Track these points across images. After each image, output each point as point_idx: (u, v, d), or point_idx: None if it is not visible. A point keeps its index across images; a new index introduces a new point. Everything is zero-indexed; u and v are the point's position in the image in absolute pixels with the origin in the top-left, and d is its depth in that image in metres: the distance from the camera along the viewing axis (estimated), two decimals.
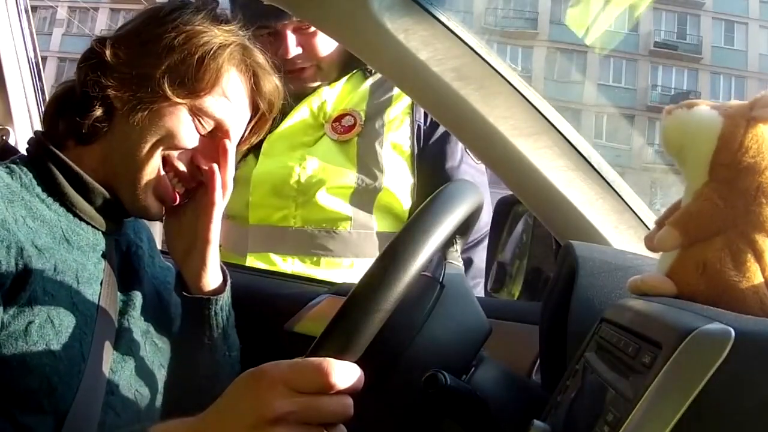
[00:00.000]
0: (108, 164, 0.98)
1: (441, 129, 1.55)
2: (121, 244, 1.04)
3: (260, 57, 1.05)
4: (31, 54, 1.74)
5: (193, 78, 0.97)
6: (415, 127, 1.55)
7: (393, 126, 1.54)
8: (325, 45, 1.54)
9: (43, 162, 0.97)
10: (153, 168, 0.97)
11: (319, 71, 1.57)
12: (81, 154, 0.98)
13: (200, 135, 1.00)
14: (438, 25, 1.05)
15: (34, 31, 1.76)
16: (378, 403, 0.77)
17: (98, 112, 0.96)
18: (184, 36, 0.97)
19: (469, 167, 1.57)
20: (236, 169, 1.48)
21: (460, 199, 0.77)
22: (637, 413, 0.48)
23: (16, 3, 1.69)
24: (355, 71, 1.60)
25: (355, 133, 1.53)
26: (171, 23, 0.98)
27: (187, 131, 0.98)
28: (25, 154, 1.01)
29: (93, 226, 0.98)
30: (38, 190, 0.94)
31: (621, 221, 1.14)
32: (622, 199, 1.14)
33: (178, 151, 0.98)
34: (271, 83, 1.06)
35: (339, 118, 1.55)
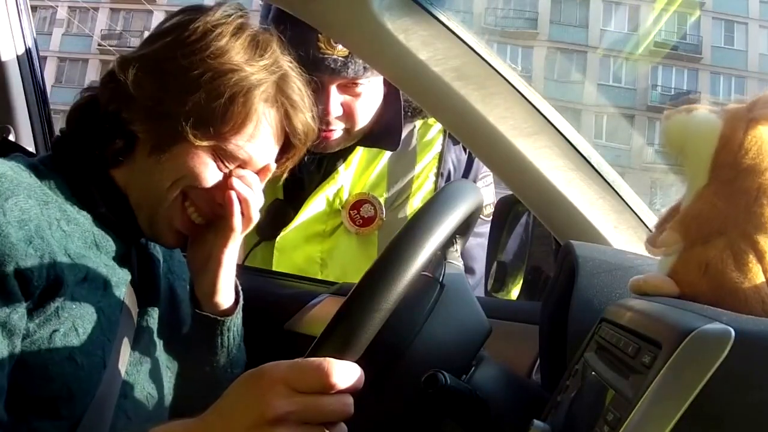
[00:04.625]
0: (129, 190, 0.96)
1: None
2: (140, 241, 1.03)
3: (295, 93, 0.98)
4: (32, 54, 1.74)
5: (219, 121, 0.91)
6: None
7: None
8: (365, 115, 1.43)
9: (73, 168, 0.94)
10: (172, 204, 0.95)
11: (347, 136, 1.44)
12: (109, 171, 0.96)
13: (223, 172, 0.95)
14: (438, 25, 1.05)
15: (34, 31, 1.76)
16: (378, 403, 0.77)
17: (119, 144, 0.93)
18: (211, 74, 0.91)
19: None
20: (249, 255, 1.44)
21: (460, 199, 0.77)
22: (637, 413, 0.48)
23: (16, 3, 1.69)
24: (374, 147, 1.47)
25: (376, 227, 1.44)
26: (200, 53, 0.91)
27: (209, 173, 0.94)
28: (49, 154, 0.99)
29: (117, 234, 0.96)
30: (67, 194, 0.92)
31: (621, 221, 1.14)
32: (622, 199, 1.14)
33: (201, 190, 0.95)
34: (303, 120, 0.99)
35: (357, 206, 1.44)
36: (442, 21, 1.04)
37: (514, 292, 1.40)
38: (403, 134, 1.47)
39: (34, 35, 1.76)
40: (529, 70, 25.73)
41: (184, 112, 0.90)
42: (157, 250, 1.05)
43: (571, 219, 1.15)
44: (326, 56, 1.31)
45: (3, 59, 1.67)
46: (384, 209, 1.44)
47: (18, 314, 0.81)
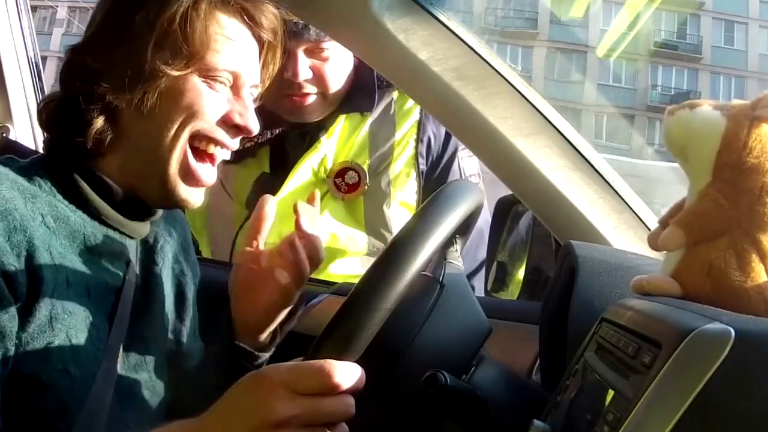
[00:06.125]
0: (129, 168, 0.91)
1: (439, 167, 1.54)
2: (148, 238, 0.99)
3: None
4: (31, 54, 1.74)
5: (185, 44, 0.88)
6: (420, 173, 1.52)
7: (399, 183, 1.51)
8: (336, 78, 1.48)
9: (63, 169, 0.90)
10: (181, 154, 0.90)
11: (323, 101, 1.49)
12: (97, 165, 0.91)
13: (221, 95, 0.92)
14: (438, 25, 1.05)
15: (34, 31, 1.76)
16: (378, 403, 0.77)
17: (99, 122, 0.89)
18: (156, 8, 0.89)
19: None
20: (239, 231, 1.49)
21: (459, 199, 0.77)
22: (637, 413, 0.48)
23: (16, 3, 1.70)
24: (352, 112, 1.53)
25: (361, 193, 1.50)
26: (138, 1, 0.89)
27: (207, 98, 0.90)
28: (41, 154, 0.95)
29: (121, 233, 0.93)
30: (59, 197, 0.88)
31: (621, 221, 1.14)
32: (622, 199, 1.14)
33: (207, 122, 0.91)
34: (266, 13, 0.97)
35: (341, 174, 1.50)
36: (442, 21, 1.04)
37: (514, 292, 1.40)
38: (382, 105, 1.52)
39: (34, 35, 1.76)
40: (529, 70, 25.73)
41: (150, 53, 0.88)
42: (163, 250, 1.02)
43: (571, 219, 1.14)
44: (287, 20, 1.34)
45: (3, 59, 1.67)
46: (368, 175, 1.50)
47: (8, 315, 0.77)
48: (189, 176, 0.92)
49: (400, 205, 1.51)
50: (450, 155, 1.54)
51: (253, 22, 0.96)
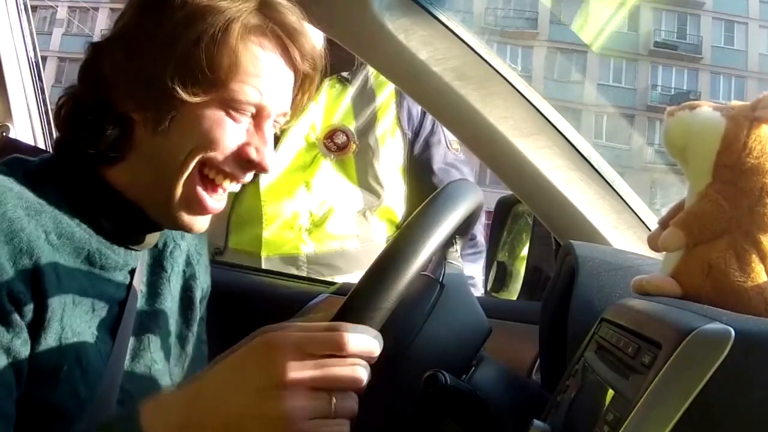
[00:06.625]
0: (137, 183, 0.86)
1: (423, 135, 1.64)
2: (158, 243, 0.96)
3: (284, 16, 0.86)
4: (31, 54, 1.74)
5: (208, 69, 0.81)
6: (404, 134, 1.63)
7: (386, 140, 1.61)
8: None
9: (72, 177, 0.86)
10: (188, 180, 0.84)
11: None
12: (105, 174, 0.86)
13: (241, 126, 0.85)
14: (438, 25, 1.05)
15: (34, 30, 1.77)
16: (378, 403, 0.77)
17: (113, 133, 0.83)
18: (183, 23, 0.81)
19: (454, 164, 1.64)
20: (235, 203, 1.54)
21: (460, 199, 0.77)
22: (637, 413, 0.48)
23: (16, 3, 1.70)
24: (331, 78, 1.61)
25: (350, 151, 1.60)
26: (166, 9, 0.82)
27: (224, 130, 0.83)
28: (50, 154, 0.92)
29: (127, 247, 0.88)
30: (65, 208, 0.83)
31: (621, 221, 1.14)
32: (622, 199, 1.14)
33: (220, 153, 0.84)
34: (304, 43, 0.88)
35: (330, 136, 1.60)
36: (442, 21, 1.04)
37: (514, 292, 1.40)
38: (360, 78, 1.63)
39: (34, 35, 1.76)
40: (529, 70, 25.73)
41: (169, 72, 0.80)
42: (173, 256, 0.99)
43: (571, 219, 1.15)
44: None
45: (3, 59, 1.67)
46: (356, 136, 1.60)
47: (21, 339, 0.75)
48: (194, 203, 0.86)
49: (389, 163, 1.61)
50: (432, 118, 1.63)
51: (290, 52, 0.88)
